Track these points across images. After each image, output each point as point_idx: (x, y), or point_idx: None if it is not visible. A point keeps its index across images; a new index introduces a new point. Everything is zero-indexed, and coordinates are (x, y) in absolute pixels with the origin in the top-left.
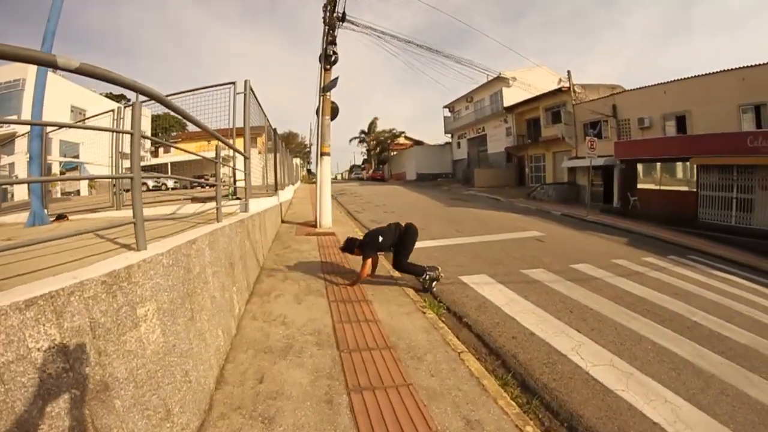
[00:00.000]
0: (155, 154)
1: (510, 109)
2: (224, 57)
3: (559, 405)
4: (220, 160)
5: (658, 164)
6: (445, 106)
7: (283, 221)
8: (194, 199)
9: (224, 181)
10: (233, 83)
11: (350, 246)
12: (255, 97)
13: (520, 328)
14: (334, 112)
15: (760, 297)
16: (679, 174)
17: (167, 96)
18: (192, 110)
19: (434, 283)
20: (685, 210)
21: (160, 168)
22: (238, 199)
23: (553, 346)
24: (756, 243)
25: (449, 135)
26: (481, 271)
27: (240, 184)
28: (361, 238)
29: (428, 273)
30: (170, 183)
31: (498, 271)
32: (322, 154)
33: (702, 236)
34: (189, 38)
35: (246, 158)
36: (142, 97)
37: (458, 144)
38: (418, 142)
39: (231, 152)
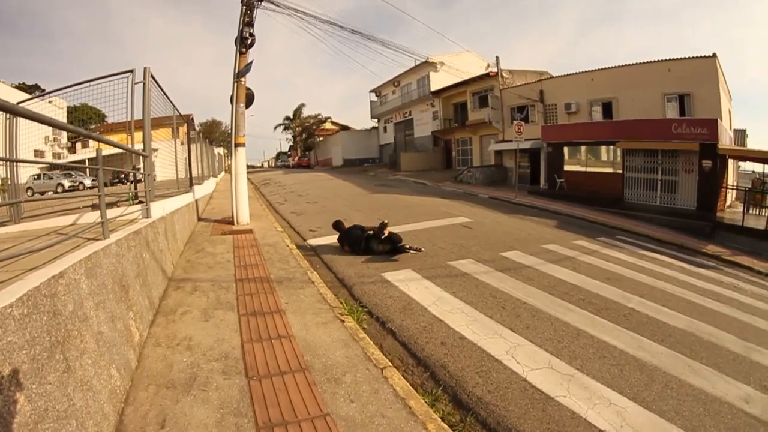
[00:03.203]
0: (72, 150)
1: (437, 93)
2: (146, 40)
3: (496, 421)
4: (101, 163)
5: (584, 147)
6: (371, 91)
7: (200, 219)
8: (95, 207)
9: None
10: (131, 71)
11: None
12: (158, 85)
13: (450, 332)
14: (249, 99)
15: (690, 276)
16: (605, 157)
17: (53, 91)
18: (95, 102)
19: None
20: (612, 191)
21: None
22: (140, 203)
23: (487, 351)
24: (679, 221)
25: (376, 120)
26: (406, 266)
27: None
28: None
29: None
30: (87, 182)
31: (424, 265)
32: (236, 145)
33: (628, 216)
34: (110, 19)
35: (144, 157)
36: None
37: (385, 128)
38: (345, 128)
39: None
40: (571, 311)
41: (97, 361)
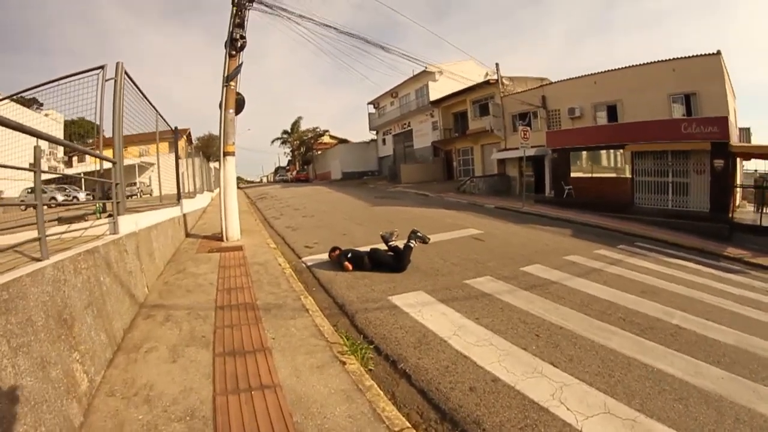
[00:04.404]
0: (69, 164)
1: (436, 103)
2: (144, 56)
3: None
4: (39, 166)
5: (591, 153)
6: (369, 103)
7: (188, 235)
8: (61, 220)
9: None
10: (102, 67)
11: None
12: (134, 84)
13: (479, 372)
14: (240, 104)
15: (722, 283)
16: (612, 162)
17: (14, 94)
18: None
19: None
20: (621, 196)
21: (74, 179)
22: (110, 216)
23: (528, 396)
24: (694, 225)
25: (374, 132)
26: (417, 287)
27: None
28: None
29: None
30: (81, 196)
31: (438, 285)
32: (225, 154)
33: (641, 221)
34: (108, 35)
35: (113, 163)
36: None
37: (383, 140)
38: (343, 141)
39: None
40: (614, 334)
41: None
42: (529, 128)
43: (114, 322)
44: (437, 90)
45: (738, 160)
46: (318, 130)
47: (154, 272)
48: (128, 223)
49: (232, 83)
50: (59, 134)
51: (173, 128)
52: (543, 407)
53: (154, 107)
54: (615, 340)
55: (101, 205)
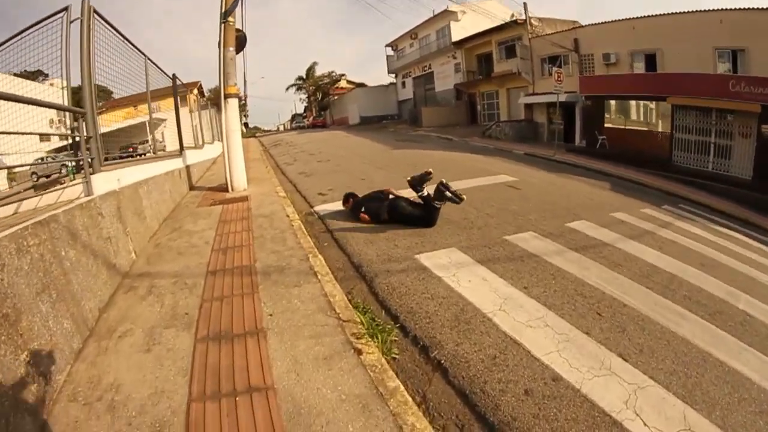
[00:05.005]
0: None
1: (459, 44)
2: (152, 13)
3: None
4: None
5: (625, 103)
6: (387, 45)
7: (192, 188)
8: (37, 188)
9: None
10: (66, 9)
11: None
12: (106, 22)
13: (535, 367)
14: (241, 42)
15: None
16: (644, 115)
17: None
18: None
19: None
20: (658, 152)
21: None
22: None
23: (597, 404)
24: (736, 192)
25: (393, 75)
26: (448, 243)
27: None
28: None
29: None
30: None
31: (473, 241)
32: (226, 96)
33: (679, 181)
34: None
35: (81, 114)
36: None
37: (403, 84)
38: (360, 85)
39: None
40: (684, 318)
41: None
42: (562, 71)
43: (85, 303)
44: (460, 30)
45: None
46: (334, 74)
47: (144, 233)
48: (106, 182)
49: (231, 18)
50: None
51: (171, 76)
52: (616, 420)
53: (138, 50)
54: (685, 327)
55: (72, 165)
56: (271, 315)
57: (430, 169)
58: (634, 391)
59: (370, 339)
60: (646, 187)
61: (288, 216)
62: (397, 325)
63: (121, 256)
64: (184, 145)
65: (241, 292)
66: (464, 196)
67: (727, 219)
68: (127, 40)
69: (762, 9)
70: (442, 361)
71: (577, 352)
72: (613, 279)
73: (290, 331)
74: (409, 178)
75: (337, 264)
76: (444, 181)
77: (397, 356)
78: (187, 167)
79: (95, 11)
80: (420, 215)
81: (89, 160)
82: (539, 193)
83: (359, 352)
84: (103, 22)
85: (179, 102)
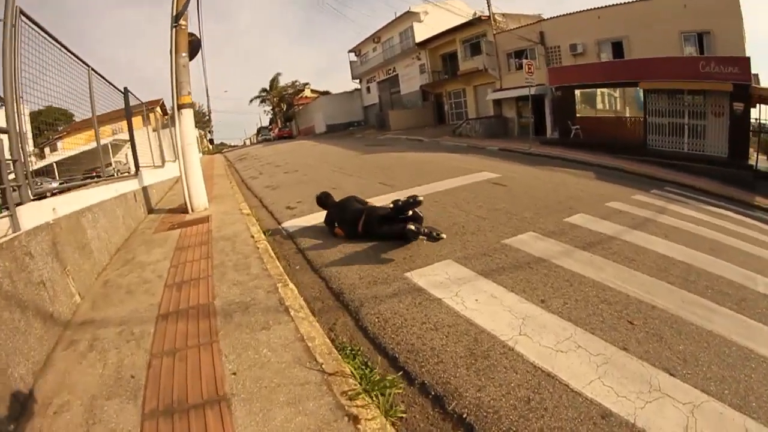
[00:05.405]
0: (41, 156)
1: (423, 44)
2: (111, 32)
3: None
4: None
5: (594, 92)
6: (350, 51)
7: (151, 210)
8: None
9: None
10: None
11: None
12: (39, 28)
13: (578, 404)
14: (194, 47)
15: None
16: (622, 101)
17: None
18: None
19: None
20: (633, 137)
21: (47, 170)
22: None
23: None
24: (715, 170)
25: (357, 81)
26: (442, 254)
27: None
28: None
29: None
30: (55, 185)
31: (469, 249)
32: (179, 107)
33: (657, 164)
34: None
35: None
36: None
37: (368, 89)
38: (325, 93)
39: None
40: (713, 312)
41: None
42: (533, 62)
43: (13, 370)
44: (423, 31)
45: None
46: (298, 84)
47: (89, 270)
48: (38, 213)
49: (183, 22)
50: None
51: (122, 90)
52: None
53: (80, 59)
54: (717, 321)
55: None
56: (234, 374)
57: (420, 197)
58: (691, 411)
59: (366, 397)
60: (629, 174)
61: (253, 236)
62: (399, 373)
63: (60, 301)
64: (142, 164)
65: (197, 342)
66: (444, 235)
67: (715, 198)
68: (64, 47)
69: None
70: (465, 416)
71: (620, 375)
72: (632, 277)
73: (261, 396)
74: (393, 201)
75: (312, 292)
76: (415, 212)
77: (404, 415)
78: (145, 188)
79: (23, 12)
80: (398, 234)
81: (16, 187)
82: (527, 189)
83: (356, 419)
84: (32, 24)
85: (143, 121)
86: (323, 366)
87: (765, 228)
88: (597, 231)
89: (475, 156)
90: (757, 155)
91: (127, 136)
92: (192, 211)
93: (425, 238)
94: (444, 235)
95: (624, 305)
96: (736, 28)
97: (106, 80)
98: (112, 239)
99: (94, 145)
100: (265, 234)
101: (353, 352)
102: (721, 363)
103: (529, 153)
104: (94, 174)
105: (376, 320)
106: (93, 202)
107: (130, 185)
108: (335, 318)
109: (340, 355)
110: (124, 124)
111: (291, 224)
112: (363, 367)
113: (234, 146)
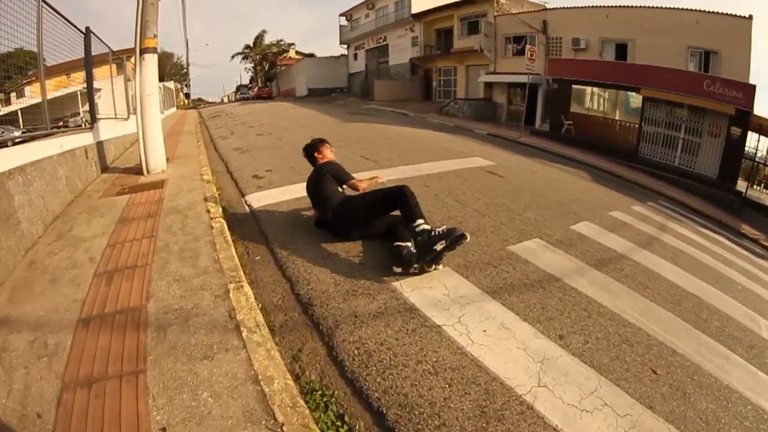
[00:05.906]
0: (6, 102)
1: (418, 16)
2: None
3: None
4: None
5: (591, 90)
6: (341, 14)
7: (106, 169)
8: None
9: None
10: None
11: None
12: None
13: None
14: None
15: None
16: (618, 103)
17: None
18: None
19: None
20: (625, 142)
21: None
22: None
23: None
24: (704, 189)
25: (345, 46)
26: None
27: None
28: None
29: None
30: (17, 134)
31: (471, 255)
32: (142, 52)
33: (648, 173)
34: None
35: None
36: None
37: (355, 56)
38: (310, 56)
39: None
40: (728, 361)
41: None
42: (535, 49)
43: None
44: (420, 2)
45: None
46: (283, 43)
47: (15, 246)
48: None
49: None
50: None
51: (83, 30)
52: None
53: None
54: (733, 373)
55: None
56: (163, 430)
57: (467, 235)
58: None
59: None
60: (621, 179)
61: (209, 211)
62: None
63: None
64: (103, 116)
65: (120, 371)
66: (468, 235)
67: (706, 219)
68: None
69: (738, 17)
70: None
71: None
72: (649, 310)
73: None
74: (414, 226)
75: (273, 297)
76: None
77: None
78: (100, 143)
79: None
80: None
81: None
82: (524, 183)
83: None
84: None
85: (118, 69)
86: (284, 428)
87: (755, 260)
88: (606, 246)
89: (464, 138)
90: (748, 183)
91: (98, 85)
92: (147, 172)
93: (434, 265)
94: (468, 237)
95: (646, 347)
96: (744, 53)
97: (64, 18)
98: (50, 205)
99: (64, 91)
100: (223, 209)
101: (324, 398)
102: (739, 426)
103: (519, 142)
104: (61, 124)
105: (356, 352)
106: (25, 162)
107: (83, 139)
108: (301, 341)
109: (307, 405)
110: (97, 71)
111: (256, 197)
112: (338, 423)
113: (211, 103)
